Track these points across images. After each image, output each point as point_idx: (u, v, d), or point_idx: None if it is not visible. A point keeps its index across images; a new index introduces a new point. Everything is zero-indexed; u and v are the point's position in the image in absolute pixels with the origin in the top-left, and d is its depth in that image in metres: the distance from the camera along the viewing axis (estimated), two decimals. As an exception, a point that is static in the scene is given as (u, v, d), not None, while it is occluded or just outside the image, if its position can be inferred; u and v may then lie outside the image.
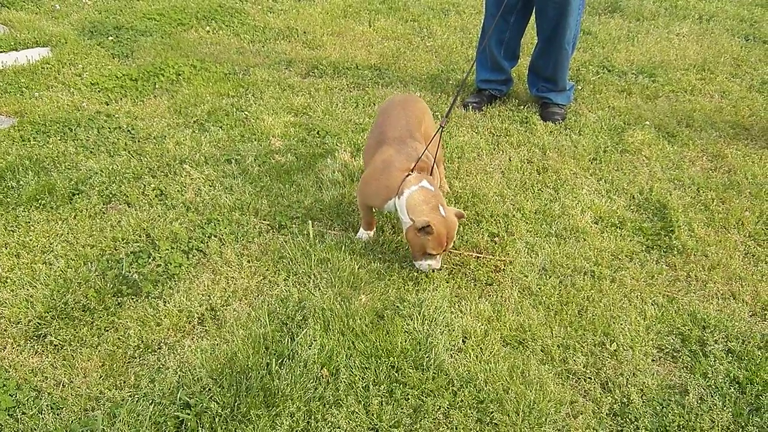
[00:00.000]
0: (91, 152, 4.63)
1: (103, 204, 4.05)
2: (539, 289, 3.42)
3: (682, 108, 5.41)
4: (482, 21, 5.30)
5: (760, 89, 5.77)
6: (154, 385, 2.86)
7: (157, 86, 5.69)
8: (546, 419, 2.72)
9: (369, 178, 3.59)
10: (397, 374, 2.90)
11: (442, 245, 3.30)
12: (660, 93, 5.68)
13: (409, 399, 2.79)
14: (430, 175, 3.45)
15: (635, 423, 2.74)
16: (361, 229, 3.78)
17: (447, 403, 2.78)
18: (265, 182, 4.29)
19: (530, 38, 5.22)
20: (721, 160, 4.63)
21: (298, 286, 3.42)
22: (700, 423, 2.72)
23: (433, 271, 3.45)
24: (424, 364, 2.94)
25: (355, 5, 7.87)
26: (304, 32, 7.05)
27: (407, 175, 3.39)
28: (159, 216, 3.95)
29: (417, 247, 3.35)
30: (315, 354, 2.97)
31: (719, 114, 5.31)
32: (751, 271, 3.58)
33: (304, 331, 3.09)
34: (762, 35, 7.03)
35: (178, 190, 4.19)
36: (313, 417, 2.72)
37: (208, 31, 7.03)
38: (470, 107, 5.33)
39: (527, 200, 4.13)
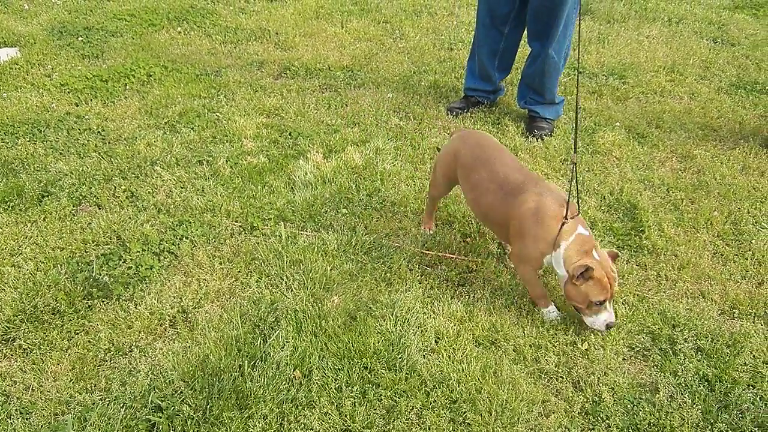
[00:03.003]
0: (60, 154, 4.58)
1: (73, 206, 4.01)
2: (511, 289, 3.44)
3: (651, 109, 5.46)
4: (474, 30, 5.26)
5: (728, 91, 5.84)
6: (126, 389, 2.85)
7: (127, 87, 5.64)
8: (518, 418, 2.74)
9: (526, 237, 3.15)
10: (369, 375, 2.90)
11: (606, 289, 2.98)
12: (630, 94, 5.73)
13: (382, 400, 2.80)
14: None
15: (606, 421, 2.76)
16: (547, 309, 3.31)
17: (420, 403, 2.79)
18: (236, 184, 4.27)
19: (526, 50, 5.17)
20: (691, 160, 4.68)
21: (271, 288, 3.41)
22: (670, 421, 2.74)
23: (609, 327, 3.09)
24: (397, 364, 2.94)
25: (328, 6, 7.86)
26: (276, 33, 7.02)
27: (562, 224, 3.06)
28: (130, 218, 3.92)
29: (581, 299, 3.04)
30: (287, 356, 2.97)
31: (688, 115, 5.37)
32: (719, 270, 3.62)
33: (277, 332, 3.09)
34: (729, 38, 7.12)
35: (149, 192, 4.16)
36: (285, 419, 2.72)
37: (180, 32, 6.98)
38: (454, 113, 5.30)
39: (499, 201, 4.14)
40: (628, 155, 4.73)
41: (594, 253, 3.01)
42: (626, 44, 6.85)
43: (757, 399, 2.86)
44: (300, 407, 2.77)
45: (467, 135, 3.68)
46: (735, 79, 6.08)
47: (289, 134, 4.92)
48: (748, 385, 2.93)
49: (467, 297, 3.39)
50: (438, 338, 3.12)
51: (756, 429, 2.71)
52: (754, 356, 3.07)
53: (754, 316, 3.31)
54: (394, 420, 2.71)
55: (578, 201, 3.28)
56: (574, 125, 3.33)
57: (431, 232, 3.85)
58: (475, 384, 2.86)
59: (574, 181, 3.18)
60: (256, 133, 4.92)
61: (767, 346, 3.11)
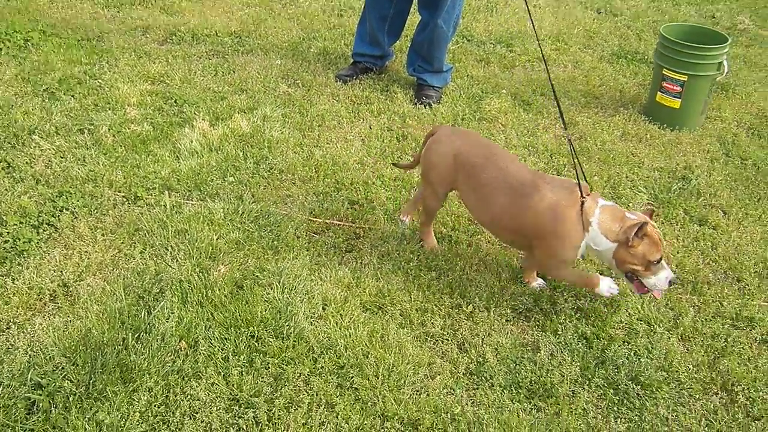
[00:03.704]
0: (-72, 123, 4.35)
1: (-57, 178, 3.83)
2: (398, 254, 3.47)
3: (537, 77, 5.58)
4: None
5: (610, 60, 6.02)
6: (3, 367, 2.76)
7: (2, 52, 5.39)
8: (405, 381, 2.79)
9: (557, 239, 3.02)
10: (257, 344, 2.90)
11: (659, 244, 2.90)
12: (517, 63, 5.84)
13: (269, 368, 2.80)
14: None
15: (490, 381, 2.84)
16: (600, 285, 3.16)
17: (308, 370, 2.80)
18: (120, 153, 4.16)
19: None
20: (573, 127, 4.81)
21: (155, 259, 3.35)
22: (550, 377, 2.85)
23: (672, 284, 2.99)
24: (284, 332, 2.94)
25: (215, -29, 7.68)
26: (162, -3, 6.82)
27: (582, 205, 2.96)
28: (6, 190, 3.77)
29: (639, 261, 2.92)
30: (173, 327, 2.93)
31: (572, 83, 5.51)
32: (598, 232, 3.75)
33: (161, 303, 3.04)
34: (612, 8, 7.33)
35: (26, 162, 4.01)
36: (171, 390, 2.69)
37: (59, -5, 6.70)
38: (343, 80, 5.28)
39: (387, 167, 4.18)
40: (514, 122, 4.82)
41: (629, 215, 2.95)
42: (514, 13, 6.96)
43: (632, 354, 2.99)
44: (186, 378, 2.74)
45: (463, 133, 3.47)
46: (617, 48, 6.26)
47: (175, 101, 4.81)
48: (624, 342, 3.07)
49: (354, 263, 3.42)
50: (325, 305, 3.13)
51: (630, 382, 2.84)
52: (629, 314, 3.21)
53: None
54: (281, 387, 2.72)
55: (584, 176, 3.14)
56: (557, 104, 3.38)
57: (435, 246, 3.58)
58: (362, 349, 2.90)
59: (575, 158, 3.14)
60: (140, 100, 4.79)
61: (641, 304, 3.25)
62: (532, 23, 3.64)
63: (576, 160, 3.11)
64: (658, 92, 4.88)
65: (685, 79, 4.70)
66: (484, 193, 3.18)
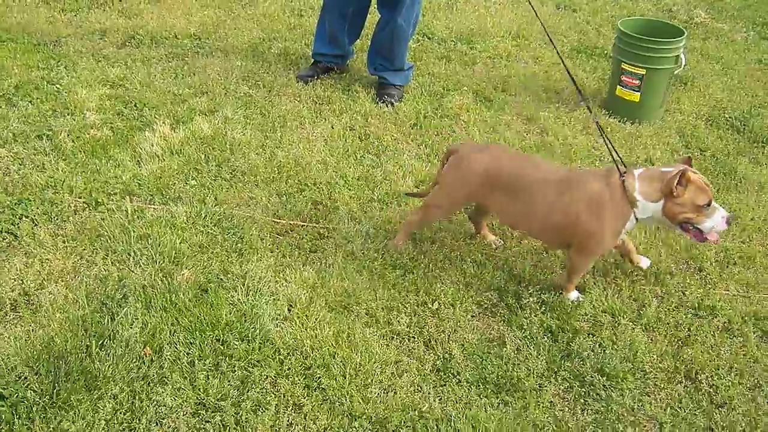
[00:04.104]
0: None
1: None
2: (363, 253, 3.48)
3: (498, 74, 5.60)
4: None
5: (570, 55, 6.07)
6: (-38, 380, 2.71)
7: (-44, 59, 5.30)
8: (372, 380, 2.79)
9: (600, 223, 3.04)
10: (222, 347, 2.88)
11: (705, 189, 2.91)
12: (478, 59, 5.86)
13: (235, 371, 2.78)
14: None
15: (457, 377, 2.86)
16: (575, 293, 3.32)
17: (274, 372, 2.80)
18: (79, 158, 4.10)
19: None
20: (534, 122, 4.85)
21: (118, 265, 3.31)
22: (517, 372, 2.87)
23: (730, 222, 2.98)
24: (250, 335, 2.93)
25: (174, -27, 7.61)
26: (120, 0, 6.74)
27: (622, 182, 2.99)
28: (-37, 198, 3.71)
29: (689, 208, 2.92)
30: (137, 333, 2.90)
31: (533, 79, 5.54)
32: (561, 226, 3.78)
33: (125, 310, 3.01)
34: (572, 4, 7.39)
35: (-17, 170, 3.95)
36: (137, 397, 2.67)
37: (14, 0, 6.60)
38: (304, 80, 5.24)
39: (350, 167, 4.18)
40: (476, 119, 4.84)
41: (665, 169, 2.97)
42: (474, 10, 6.98)
43: (597, 346, 3.03)
44: (152, 384, 2.72)
45: (488, 147, 3.47)
46: (576, 43, 6.32)
47: (135, 105, 4.76)
48: (589, 334, 3.10)
49: (319, 264, 3.41)
50: (291, 306, 3.13)
51: (595, 374, 2.87)
52: (593, 306, 3.23)
53: (593, 270, 3.48)
54: (248, 390, 2.71)
55: (620, 158, 3.15)
56: (579, 93, 3.43)
57: (401, 246, 3.54)
58: (328, 349, 2.89)
59: (606, 140, 3.20)
60: (99, 105, 4.73)
61: (606, 296, 3.29)
62: (540, 21, 3.71)
63: (608, 142, 3.17)
64: (618, 86, 4.93)
65: (644, 73, 4.75)
66: (528, 197, 3.16)
